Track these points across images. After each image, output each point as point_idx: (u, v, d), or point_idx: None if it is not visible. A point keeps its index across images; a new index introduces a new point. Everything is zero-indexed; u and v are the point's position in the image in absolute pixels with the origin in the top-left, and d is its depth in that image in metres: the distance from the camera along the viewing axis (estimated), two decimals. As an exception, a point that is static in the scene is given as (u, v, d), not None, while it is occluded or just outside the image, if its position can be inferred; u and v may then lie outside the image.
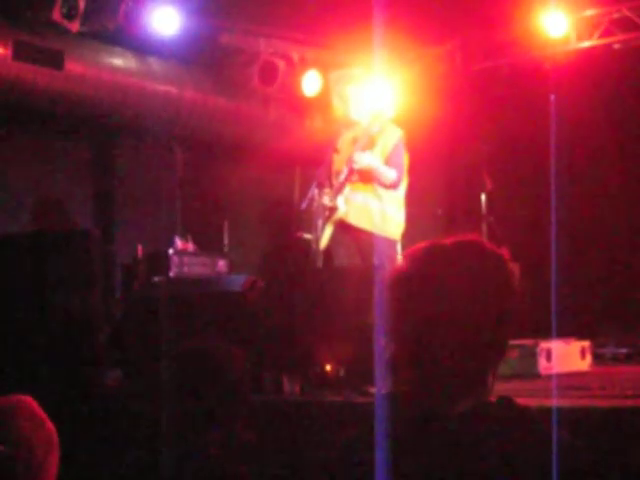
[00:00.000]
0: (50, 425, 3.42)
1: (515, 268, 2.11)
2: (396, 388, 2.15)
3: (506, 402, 2.02)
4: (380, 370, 5.32)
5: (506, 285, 2.02)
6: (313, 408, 5.19)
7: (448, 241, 2.05)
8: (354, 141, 6.94)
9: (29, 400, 3.50)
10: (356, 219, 6.90)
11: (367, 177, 6.82)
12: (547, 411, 2.08)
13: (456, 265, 2.00)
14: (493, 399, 2.02)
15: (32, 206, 8.56)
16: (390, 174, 6.78)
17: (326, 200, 6.91)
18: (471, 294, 1.97)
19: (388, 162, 6.86)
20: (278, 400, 5.36)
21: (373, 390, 5.20)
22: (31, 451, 3.26)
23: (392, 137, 6.91)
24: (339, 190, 6.90)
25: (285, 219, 9.30)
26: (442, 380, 2.00)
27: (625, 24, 8.68)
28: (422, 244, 2.07)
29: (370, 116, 7.05)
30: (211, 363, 3.24)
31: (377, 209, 6.90)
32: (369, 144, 6.88)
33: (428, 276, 2.01)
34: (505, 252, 2.05)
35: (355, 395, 5.28)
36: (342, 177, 6.90)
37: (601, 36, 8.82)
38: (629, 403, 4.40)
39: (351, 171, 6.82)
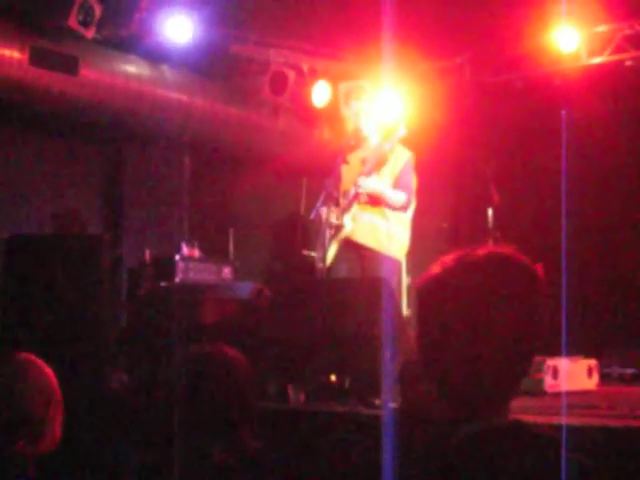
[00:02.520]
0: (52, 382, 3.46)
1: (545, 284, 2.04)
2: (411, 401, 2.14)
3: (520, 423, 1.99)
4: (387, 382, 5.33)
5: (535, 300, 1.99)
6: (318, 418, 5.20)
7: (481, 251, 2.01)
8: (363, 161, 6.96)
9: (31, 358, 3.55)
10: (362, 237, 6.92)
11: (376, 200, 6.86)
12: (558, 431, 2.06)
13: (487, 276, 1.96)
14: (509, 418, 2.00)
15: (52, 214, 8.62)
16: (399, 197, 6.81)
17: (333, 218, 6.94)
18: (500, 307, 1.94)
19: (397, 183, 6.88)
20: (283, 409, 5.37)
21: (378, 401, 5.22)
22: (30, 407, 3.32)
23: (401, 158, 6.93)
24: (346, 209, 6.92)
25: (291, 231, 9.32)
26: (467, 396, 1.98)
27: (637, 40, 8.66)
28: (449, 256, 2.03)
29: (381, 134, 7.08)
30: (216, 368, 3.25)
31: (384, 229, 6.92)
32: (379, 164, 6.90)
33: (458, 285, 1.97)
34: (538, 267, 2.02)
35: (360, 406, 5.29)
36: (350, 197, 6.92)
37: (613, 52, 8.81)
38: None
39: (358, 194, 6.87)
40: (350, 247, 6.96)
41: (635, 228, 8.82)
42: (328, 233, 6.94)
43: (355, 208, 6.91)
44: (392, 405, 5.16)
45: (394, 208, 6.86)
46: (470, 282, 1.97)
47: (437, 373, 2.01)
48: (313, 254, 7.14)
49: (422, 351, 2.04)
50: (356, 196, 6.88)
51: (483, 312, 1.94)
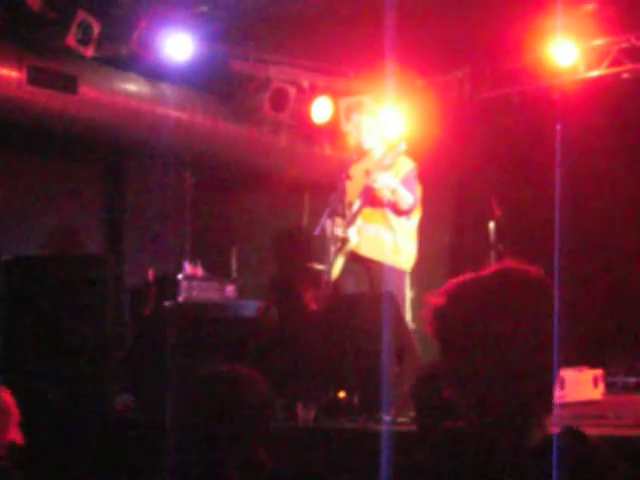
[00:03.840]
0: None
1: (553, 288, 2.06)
2: (449, 424, 2.13)
3: (572, 432, 2.01)
4: (386, 396, 5.31)
5: (549, 309, 1.99)
6: (328, 435, 5.19)
7: (486, 272, 2.03)
8: (367, 173, 6.98)
9: None
10: (368, 250, 6.93)
11: (381, 202, 6.86)
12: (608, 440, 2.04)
13: (497, 296, 1.98)
14: (556, 429, 2.01)
15: (50, 233, 8.60)
16: (408, 198, 6.84)
17: (338, 231, 6.95)
18: (517, 323, 1.95)
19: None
20: (292, 427, 5.36)
21: (388, 417, 5.21)
22: None
23: (404, 168, 6.95)
24: (351, 221, 6.94)
25: (295, 247, 9.32)
26: (503, 415, 1.97)
27: (634, 53, 8.70)
28: (458, 279, 2.05)
29: (383, 147, 7.10)
30: (233, 388, 3.23)
31: (390, 240, 6.93)
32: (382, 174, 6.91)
33: (473, 311, 1.99)
34: (545, 276, 2.03)
35: (370, 423, 5.28)
36: (355, 208, 6.93)
37: (610, 65, 8.84)
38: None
39: (365, 202, 6.87)
40: (356, 260, 6.98)
41: (633, 239, 8.84)
42: (334, 246, 6.95)
43: (360, 221, 6.92)
44: (402, 419, 5.15)
45: (400, 211, 6.86)
46: (482, 303, 1.98)
47: (468, 396, 2.01)
48: (319, 267, 7.14)
49: (449, 376, 2.05)
50: (364, 204, 6.89)
51: (500, 328, 1.95)
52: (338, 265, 7.00)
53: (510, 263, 2.05)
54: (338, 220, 7.02)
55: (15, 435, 4.23)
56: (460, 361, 2.00)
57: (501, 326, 1.95)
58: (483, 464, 1.97)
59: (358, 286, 7.13)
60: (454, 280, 2.06)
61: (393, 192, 6.78)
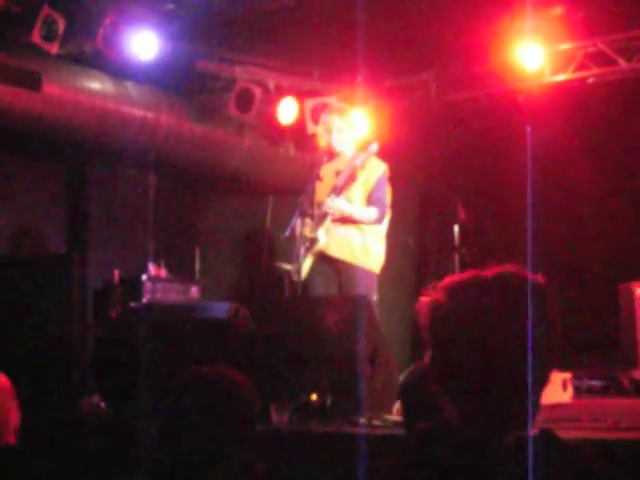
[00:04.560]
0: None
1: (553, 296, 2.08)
2: (435, 423, 2.14)
3: (547, 435, 2.02)
4: (364, 398, 5.26)
5: (548, 315, 2.01)
6: (301, 438, 5.14)
7: (488, 273, 2.04)
8: (337, 173, 6.97)
9: None
10: (337, 251, 6.91)
11: (346, 219, 6.88)
12: (584, 443, 2.07)
13: (499, 298, 1.99)
14: (535, 430, 2.01)
15: (9, 233, 8.47)
16: (369, 214, 6.87)
17: (307, 231, 6.92)
18: (515, 326, 1.96)
19: (370, 197, 6.92)
20: (265, 430, 5.29)
21: (363, 420, 5.17)
22: None
23: (376, 171, 6.95)
24: (320, 222, 6.90)
25: (258, 248, 9.27)
26: (488, 414, 1.99)
27: (599, 58, 8.76)
28: (459, 277, 2.07)
29: (354, 148, 7.08)
30: (217, 390, 3.17)
31: (359, 241, 6.93)
32: (351, 177, 6.92)
33: (473, 310, 2.00)
34: (545, 280, 2.04)
35: (344, 425, 5.23)
36: (323, 210, 6.91)
37: (576, 70, 8.90)
38: (630, 435, 4.37)
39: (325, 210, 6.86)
40: (325, 260, 6.95)
41: (602, 242, 8.89)
42: (303, 247, 6.92)
43: (329, 221, 6.90)
44: (376, 422, 5.12)
45: (368, 224, 6.89)
46: (483, 302, 1.99)
47: (455, 393, 2.03)
48: (287, 267, 7.09)
49: (437, 372, 2.06)
50: (325, 212, 6.88)
51: (498, 329, 1.96)
52: (307, 265, 6.97)
53: (513, 267, 2.07)
54: (307, 220, 6.99)
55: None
56: (449, 357, 2.01)
57: (496, 327, 1.97)
58: (458, 461, 1.97)
59: (327, 287, 7.10)
60: (455, 277, 2.08)
61: (350, 215, 6.82)
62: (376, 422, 5.19)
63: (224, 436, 3.08)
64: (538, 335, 1.96)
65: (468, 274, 2.07)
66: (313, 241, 6.93)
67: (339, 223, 6.94)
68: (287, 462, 4.80)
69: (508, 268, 2.06)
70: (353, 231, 6.94)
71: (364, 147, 7.01)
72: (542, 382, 2.03)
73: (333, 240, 6.93)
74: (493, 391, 1.97)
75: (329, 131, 7.09)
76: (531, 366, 1.96)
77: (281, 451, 4.96)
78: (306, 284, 7.04)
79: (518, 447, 1.94)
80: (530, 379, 1.97)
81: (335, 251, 6.94)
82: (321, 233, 6.91)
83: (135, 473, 3.85)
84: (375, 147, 6.88)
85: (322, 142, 7.17)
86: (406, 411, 3.65)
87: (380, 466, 2.20)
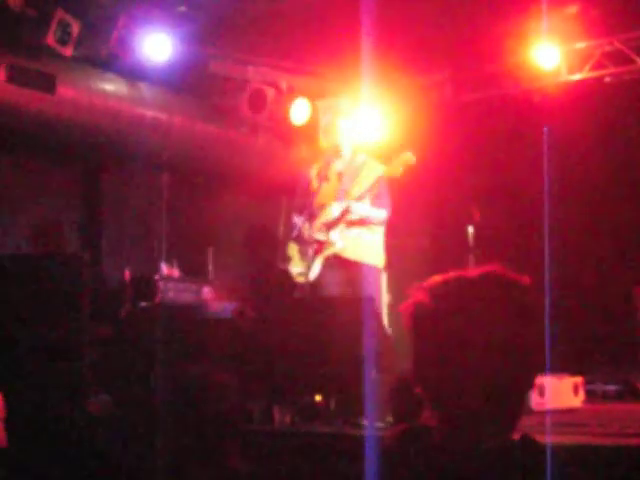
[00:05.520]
0: None
1: (540, 298, 2.05)
2: (404, 419, 2.12)
3: (526, 440, 1.99)
4: (370, 402, 5.26)
5: (533, 318, 1.98)
6: (303, 439, 5.13)
7: (472, 273, 2.01)
8: (340, 176, 6.98)
9: None
10: (352, 253, 6.93)
11: (362, 221, 6.91)
12: (566, 449, 2.05)
13: (483, 298, 1.96)
14: (518, 435, 1.98)
15: (28, 232, 8.52)
16: (381, 215, 6.89)
17: (320, 235, 6.91)
18: (497, 325, 1.93)
19: (376, 198, 6.92)
20: (268, 430, 5.29)
21: (364, 422, 5.15)
22: None
23: (375, 172, 6.95)
24: (333, 225, 6.90)
25: (268, 247, 9.26)
26: (469, 417, 1.96)
27: (616, 57, 8.70)
28: (443, 277, 2.03)
29: (352, 148, 7.10)
30: (204, 392, 3.18)
31: (370, 241, 6.95)
32: (353, 176, 6.93)
33: (456, 310, 1.96)
34: (531, 286, 2.01)
35: (346, 427, 5.22)
36: (335, 214, 6.90)
37: (592, 69, 8.84)
38: (633, 442, 4.32)
39: (345, 213, 6.86)
40: (336, 262, 6.94)
41: (618, 244, 8.82)
42: (311, 248, 6.91)
43: (342, 224, 6.92)
44: (379, 424, 5.10)
45: (377, 225, 6.92)
46: (467, 303, 1.96)
47: (435, 394, 2.00)
48: (295, 269, 7.08)
49: (419, 372, 2.03)
50: (344, 214, 6.86)
51: (480, 331, 1.93)
52: (317, 267, 6.96)
53: (497, 268, 2.03)
54: (317, 223, 6.97)
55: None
56: (431, 358, 1.98)
57: (479, 329, 1.93)
58: (432, 465, 1.95)
59: (338, 288, 7.08)
60: (439, 277, 2.04)
61: (368, 219, 6.87)
62: (379, 425, 5.17)
63: (208, 435, 3.09)
64: (520, 338, 1.94)
65: (452, 275, 2.03)
66: (324, 243, 6.93)
67: (352, 225, 6.94)
68: (286, 462, 4.80)
69: (492, 268, 2.02)
70: (365, 232, 6.97)
71: (361, 146, 7.09)
72: (525, 386, 2.00)
73: (348, 242, 6.95)
74: (474, 395, 1.93)
75: (335, 133, 7.09)
76: (513, 369, 1.94)
77: (280, 451, 4.96)
78: (316, 285, 7.02)
79: (496, 452, 1.93)
80: (512, 383, 1.96)
81: (351, 253, 6.95)
82: (335, 235, 6.92)
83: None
84: (409, 157, 6.86)
85: (325, 144, 7.16)
86: (395, 412, 3.64)
87: (358, 467, 2.20)
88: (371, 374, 5.41)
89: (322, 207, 6.97)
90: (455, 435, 1.96)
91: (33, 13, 7.57)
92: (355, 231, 6.94)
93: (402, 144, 7.64)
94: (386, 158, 7.06)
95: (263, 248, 9.67)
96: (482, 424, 1.95)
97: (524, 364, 1.96)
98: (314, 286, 6.92)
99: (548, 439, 3.94)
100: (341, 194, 6.91)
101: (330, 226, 6.92)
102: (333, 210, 6.92)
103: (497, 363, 1.92)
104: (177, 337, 5.92)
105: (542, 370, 2.03)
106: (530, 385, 2.01)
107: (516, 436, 1.99)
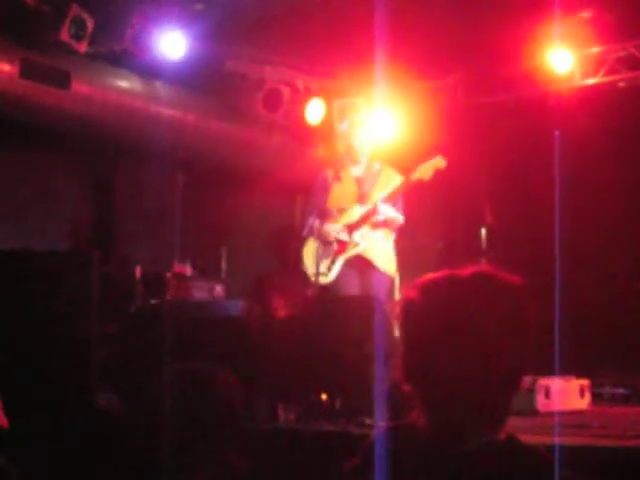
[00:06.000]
0: None
1: (531, 301, 2.04)
2: (405, 421, 2.12)
3: (513, 441, 1.99)
4: (377, 401, 5.27)
5: (522, 318, 1.98)
6: (308, 437, 5.14)
7: (463, 272, 2.01)
8: (358, 182, 7.04)
9: None
10: (372, 254, 6.98)
11: (385, 223, 6.96)
12: (552, 450, 2.04)
13: (473, 295, 1.96)
14: (503, 436, 1.98)
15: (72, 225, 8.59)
16: (400, 220, 6.95)
17: (341, 235, 6.95)
18: (486, 325, 1.93)
19: (394, 205, 6.98)
20: (272, 428, 5.31)
21: (370, 421, 5.16)
22: None
23: (393, 181, 7.02)
24: (356, 227, 6.97)
25: (285, 247, 9.28)
26: (455, 416, 1.96)
27: (630, 62, 8.68)
28: (434, 275, 2.04)
29: (369, 155, 7.14)
30: (202, 386, 3.19)
31: (385, 248, 7.03)
32: (373, 182, 6.99)
33: (446, 308, 1.97)
34: (521, 282, 2.01)
35: (351, 426, 5.24)
36: (358, 216, 6.96)
37: (606, 74, 8.82)
38: (633, 443, 4.32)
39: (369, 215, 6.91)
40: (356, 264, 7.00)
41: (629, 248, 8.80)
42: (331, 248, 6.97)
43: (366, 226, 6.99)
44: (383, 425, 5.10)
45: (394, 230, 7.00)
46: (456, 301, 1.97)
47: (423, 391, 2.01)
48: (312, 269, 7.10)
49: (407, 369, 2.04)
50: (368, 216, 6.93)
51: (469, 330, 1.93)
52: (337, 267, 7.01)
53: (488, 267, 2.05)
54: (338, 225, 7.02)
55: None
56: (419, 355, 1.99)
57: (467, 328, 1.93)
58: (420, 462, 1.96)
59: (355, 289, 7.11)
60: (430, 275, 2.05)
61: (393, 220, 6.98)
62: (383, 424, 5.18)
63: (206, 432, 3.11)
64: (509, 338, 1.94)
65: (443, 273, 2.03)
66: (346, 244, 6.98)
67: (376, 227, 7.01)
68: (290, 460, 4.82)
69: (483, 268, 2.04)
70: (382, 237, 7.05)
71: (377, 153, 7.14)
72: (512, 388, 2.00)
73: (369, 244, 7.01)
74: (460, 394, 1.94)
75: (350, 132, 7.12)
76: (500, 369, 1.94)
77: (285, 449, 4.99)
78: (333, 286, 7.05)
79: (481, 452, 1.93)
80: (499, 382, 1.96)
81: (371, 254, 7.01)
82: (358, 237, 6.99)
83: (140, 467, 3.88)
84: (439, 162, 6.92)
85: (342, 143, 7.20)
86: (392, 410, 3.65)
87: (344, 465, 2.20)
88: (381, 373, 5.42)
89: (342, 210, 7.04)
90: (441, 434, 1.97)
91: (47, 9, 7.61)
92: (377, 234, 7.02)
93: (432, 148, 7.68)
94: (402, 162, 7.12)
95: (289, 248, 9.69)
96: (468, 423, 1.95)
97: (512, 364, 1.96)
98: (333, 287, 6.98)
99: (556, 440, 3.95)
100: (363, 198, 6.98)
101: (353, 228, 6.99)
102: (355, 212, 7.00)
103: (485, 362, 1.92)
104: (183, 334, 5.94)
105: (530, 371, 2.03)
106: (517, 385, 2.00)
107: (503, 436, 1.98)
